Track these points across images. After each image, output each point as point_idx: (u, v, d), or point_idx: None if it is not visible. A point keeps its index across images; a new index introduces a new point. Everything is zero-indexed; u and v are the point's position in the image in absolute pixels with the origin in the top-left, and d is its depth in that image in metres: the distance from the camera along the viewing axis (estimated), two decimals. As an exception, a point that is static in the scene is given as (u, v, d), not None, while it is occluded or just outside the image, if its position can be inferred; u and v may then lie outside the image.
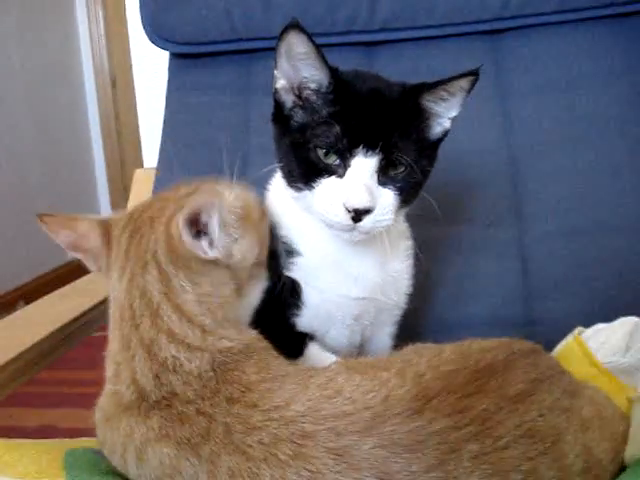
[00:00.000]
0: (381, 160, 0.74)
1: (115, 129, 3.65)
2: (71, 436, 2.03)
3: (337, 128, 0.74)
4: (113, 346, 0.68)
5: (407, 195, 0.77)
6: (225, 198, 0.69)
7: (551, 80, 1.24)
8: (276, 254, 0.82)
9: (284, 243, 0.83)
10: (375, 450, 0.54)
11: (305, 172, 0.76)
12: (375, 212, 0.74)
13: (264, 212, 0.77)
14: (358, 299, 0.83)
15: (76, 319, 1.00)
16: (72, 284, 1.16)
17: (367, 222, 0.74)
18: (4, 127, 2.95)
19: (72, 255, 0.75)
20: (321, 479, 0.54)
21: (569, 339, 0.92)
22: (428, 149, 0.80)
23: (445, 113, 0.80)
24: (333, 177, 0.75)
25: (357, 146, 0.73)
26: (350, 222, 0.74)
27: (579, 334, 0.92)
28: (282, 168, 0.81)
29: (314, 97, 0.78)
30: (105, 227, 0.72)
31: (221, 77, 1.37)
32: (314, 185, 0.76)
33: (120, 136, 3.67)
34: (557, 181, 1.19)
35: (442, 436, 0.55)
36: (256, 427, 0.57)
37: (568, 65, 1.24)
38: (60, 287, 1.19)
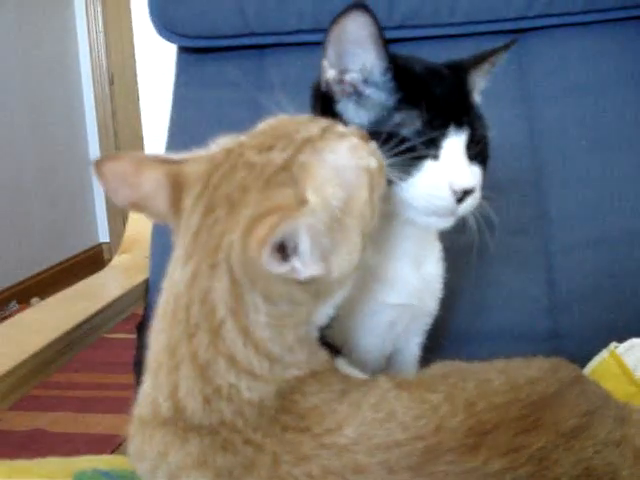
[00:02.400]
0: (469, 135, 0.72)
1: (112, 127, 3.60)
2: (62, 441, 1.98)
3: (420, 112, 0.70)
4: (159, 338, 0.58)
5: (486, 167, 0.75)
6: (323, 197, 0.54)
7: (577, 83, 1.19)
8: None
9: None
10: None
11: (397, 163, 0.70)
12: (476, 191, 0.71)
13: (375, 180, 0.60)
14: (395, 305, 0.78)
15: (79, 326, 0.94)
16: (74, 287, 1.11)
17: (469, 202, 0.71)
18: (0, 124, 2.89)
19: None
20: None
21: (604, 355, 0.87)
22: None
23: (479, 85, 0.79)
24: (429, 161, 0.70)
25: (447, 126, 0.70)
26: (455, 204, 0.70)
27: (614, 349, 0.88)
28: None
29: (372, 86, 0.73)
30: (177, 188, 0.59)
31: (231, 73, 1.31)
32: (411, 174, 0.70)
33: (117, 134, 3.62)
34: (584, 188, 1.14)
35: (497, 478, 0.50)
36: (306, 456, 0.51)
37: (595, 67, 1.19)
38: (54, 286, 1.14)
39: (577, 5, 1.17)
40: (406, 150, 0.70)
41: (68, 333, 0.91)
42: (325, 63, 0.75)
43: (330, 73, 0.75)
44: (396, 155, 0.69)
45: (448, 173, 0.70)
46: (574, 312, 1.09)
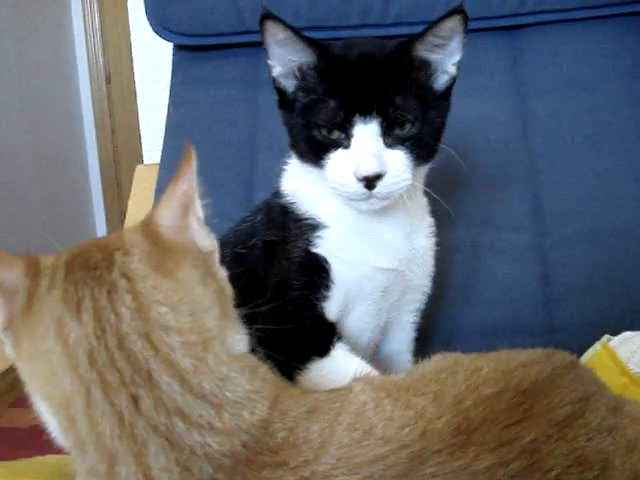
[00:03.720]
0: (382, 122, 0.74)
1: (109, 125, 3.60)
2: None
3: (332, 103, 0.75)
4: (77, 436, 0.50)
5: (420, 152, 0.76)
6: None
7: (570, 79, 1.21)
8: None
9: (307, 219, 0.82)
10: None
11: (313, 151, 0.78)
12: (387, 176, 0.73)
13: None
14: (387, 270, 0.81)
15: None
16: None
17: (381, 187, 0.73)
18: (-5, 123, 2.89)
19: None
20: None
21: (597, 347, 0.88)
22: (436, 101, 0.79)
23: (446, 60, 0.79)
24: (340, 150, 0.75)
25: (353, 115, 0.74)
26: (364, 190, 0.73)
27: (607, 342, 0.88)
28: (294, 150, 0.83)
29: (309, 77, 0.78)
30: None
31: (227, 71, 1.32)
32: (324, 162, 0.76)
33: (114, 132, 3.62)
34: (578, 183, 1.15)
35: (488, 474, 0.49)
36: None
37: (588, 63, 1.21)
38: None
39: (570, 2, 1.19)
40: (315, 140, 0.76)
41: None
42: (270, 62, 0.81)
43: (276, 70, 0.81)
44: (310, 144, 0.77)
45: (352, 161, 0.73)
46: (569, 306, 1.10)
